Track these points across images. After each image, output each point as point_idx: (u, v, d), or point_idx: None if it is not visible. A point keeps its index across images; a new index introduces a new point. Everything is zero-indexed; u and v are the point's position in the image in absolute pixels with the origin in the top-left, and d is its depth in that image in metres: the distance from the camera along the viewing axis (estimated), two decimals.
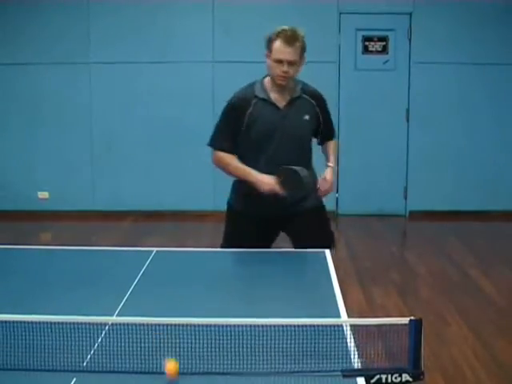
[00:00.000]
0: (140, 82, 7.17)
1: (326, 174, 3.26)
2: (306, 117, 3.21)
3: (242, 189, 3.25)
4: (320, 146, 3.46)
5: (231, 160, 3.21)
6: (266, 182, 3.08)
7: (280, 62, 3.05)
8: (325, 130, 3.35)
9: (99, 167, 7.33)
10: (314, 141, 3.40)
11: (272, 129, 3.15)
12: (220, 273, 2.91)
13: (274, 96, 3.17)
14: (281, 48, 3.04)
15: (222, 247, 3.35)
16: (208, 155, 7.64)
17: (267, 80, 3.19)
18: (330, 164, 3.33)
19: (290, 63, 3.06)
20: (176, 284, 2.72)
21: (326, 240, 3.29)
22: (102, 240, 6.07)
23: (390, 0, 7.08)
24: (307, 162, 3.27)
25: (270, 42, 3.09)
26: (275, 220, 3.26)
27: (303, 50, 3.11)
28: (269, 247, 3.33)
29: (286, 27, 3.08)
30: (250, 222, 3.25)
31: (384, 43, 7.18)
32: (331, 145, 3.42)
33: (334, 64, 7.16)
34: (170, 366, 1.81)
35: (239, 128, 3.17)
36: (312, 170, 3.31)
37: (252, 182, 3.12)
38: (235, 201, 3.36)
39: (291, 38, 3.04)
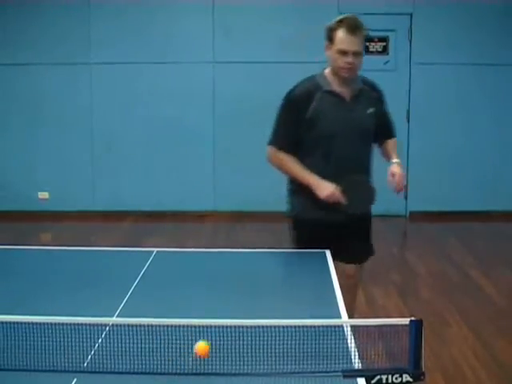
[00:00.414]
0: (140, 82, 7.17)
1: (392, 169, 3.03)
2: (371, 110, 3.05)
3: (303, 192, 3.04)
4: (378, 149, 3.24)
5: (290, 159, 3.02)
6: (326, 186, 2.91)
7: (344, 52, 2.88)
8: (384, 126, 3.15)
9: (99, 167, 7.33)
10: None
11: (339, 123, 2.97)
12: (220, 273, 2.91)
13: (338, 89, 2.99)
14: (345, 38, 2.87)
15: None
16: (208, 155, 7.65)
17: (328, 72, 3.02)
18: (395, 160, 3.08)
19: (355, 54, 2.89)
20: (176, 284, 2.71)
21: (366, 252, 3.26)
22: (102, 240, 6.07)
23: (390, 1, 7.08)
24: (370, 162, 3.15)
25: (331, 32, 2.91)
26: (335, 225, 3.06)
27: (365, 39, 2.94)
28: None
29: (346, 15, 2.93)
30: (316, 228, 3.06)
31: (384, 44, 7.18)
32: (391, 143, 3.19)
33: None
34: (201, 348, 1.83)
35: (301, 124, 2.96)
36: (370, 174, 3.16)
37: (310, 185, 2.95)
38: (298, 206, 3.14)
39: (355, 26, 2.89)
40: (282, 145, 3.04)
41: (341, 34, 2.89)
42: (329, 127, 2.98)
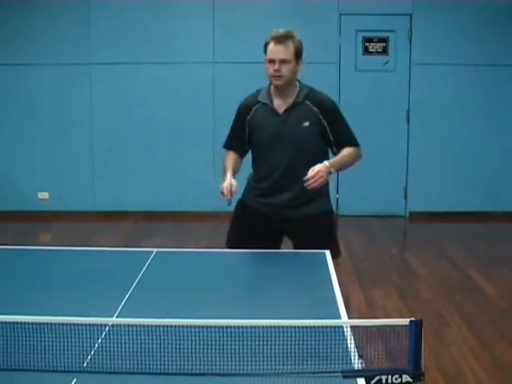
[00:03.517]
0: (140, 82, 7.17)
1: (314, 167, 3.02)
2: (306, 123, 3.14)
3: (249, 185, 3.36)
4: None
5: (226, 156, 3.32)
6: (224, 182, 3.10)
7: (272, 61, 3.06)
8: (338, 139, 3.21)
9: (99, 168, 7.34)
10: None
11: (271, 134, 3.15)
12: (220, 274, 2.91)
13: (276, 101, 3.17)
14: (272, 48, 3.07)
15: (227, 245, 3.36)
16: (208, 155, 7.64)
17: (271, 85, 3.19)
18: (325, 162, 3.07)
19: (282, 62, 3.05)
20: (176, 285, 2.71)
21: (328, 249, 3.22)
22: (102, 241, 6.07)
23: (390, 1, 7.09)
24: (305, 171, 3.16)
25: (265, 46, 3.11)
26: (276, 221, 3.24)
27: (298, 50, 3.08)
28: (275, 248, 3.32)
29: (280, 29, 3.09)
30: (254, 221, 3.27)
31: (384, 44, 7.18)
32: (344, 151, 3.20)
33: (334, 65, 7.16)
34: None
35: (244, 131, 3.25)
36: (321, 196, 3.24)
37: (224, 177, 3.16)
38: (244, 196, 3.38)
39: (282, 37, 3.06)
40: (227, 145, 3.36)
41: (270, 45, 3.09)
42: (262, 138, 3.20)
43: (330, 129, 3.18)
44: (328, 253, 3.11)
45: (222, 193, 3.05)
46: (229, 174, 3.14)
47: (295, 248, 3.30)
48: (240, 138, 3.27)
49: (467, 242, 6.32)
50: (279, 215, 3.23)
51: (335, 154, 3.23)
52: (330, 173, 3.05)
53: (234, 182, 3.08)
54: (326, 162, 3.06)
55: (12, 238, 6.13)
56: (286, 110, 3.16)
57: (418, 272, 5.41)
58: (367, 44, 7.18)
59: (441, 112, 7.22)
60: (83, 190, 7.36)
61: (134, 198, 7.31)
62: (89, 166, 7.33)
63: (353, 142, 3.26)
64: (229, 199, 3.04)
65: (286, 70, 3.07)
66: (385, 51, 7.20)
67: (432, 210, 7.30)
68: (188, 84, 7.14)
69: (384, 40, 7.18)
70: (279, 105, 3.17)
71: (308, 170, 3.01)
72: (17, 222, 6.96)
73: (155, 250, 3.19)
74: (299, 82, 3.21)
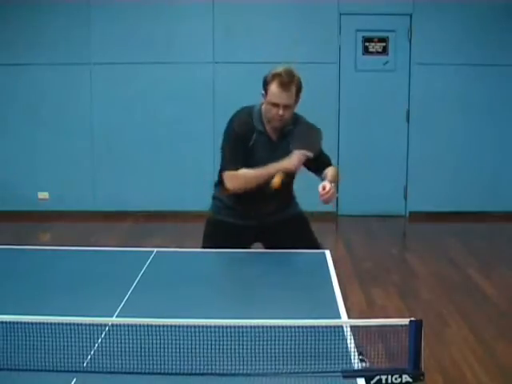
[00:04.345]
0: (140, 82, 7.17)
1: (324, 183, 3.11)
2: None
3: (224, 201, 3.33)
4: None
5: (246, 170, 3.16)
6: (293, 158, 3.09)
7: (276, 105, 3.07)
8: (318, 164, 3.28)
9: (100, 168, 7.33)
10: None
11: (265, 160, 3.16)
12: (220, 273, 2.91)
13: (268, 127, 3.20)
14: (276, 92, 3.05)
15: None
16: (208, 155, 7.63)
17: (264, 109, 3.18)
18: (328, 179, 3.17)
19: (286, 107, 3.08)
20: (176, 285, 2.72)
21: (310, 248, 3.28)
22: (103, 240, 6.07)
23: (390, 1, 7.08)
24: (291, 193, 3.37)
25: (266, 84, 3.10)
26: (252, 230, 3.30)
27: (299, 91, 3.11)
28: None
29: (281, 69, 3.07)
30: (228, 234, 3.30)
31: (384, 44, 7.18)
32: (329, 169, 3.28)
33: (334, 65, 7.16)
34: None
35: (244, 153, 3.18)
36: (294, 198, 3.41)
37: (282, 168, 3.10)
38: (216, 210, 3.39)
39: (287, 82, 3.05)
40: (238, 165, 3.17)
41: (273, 87, 3.06)
42: (257, 163, 3.17)
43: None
44: (328, 253, 3.11)
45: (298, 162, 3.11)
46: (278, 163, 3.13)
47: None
48: (241, 158, 3.18)
49: (467, 242, 6.32)
50: (255, 226, 3.29)
51: (314, 172, 3.33)
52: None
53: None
54: (329, 179, 3.16)
55: (12, 238, 6.13)
56: (278, 137, 3.21)
57: (418, 272, 5.41)
58: (367, 44, 7.18)
59: (441, 112, 7.22)
60: (83, 190, 7.35)
61: (134, 198, 7.31)
62: (89, 166, 7.33)
63: (329, 162, 3.36)
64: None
65: (288, 114, 3.12)
66: (385, 51, 7.20)
67: (432, 210, 7.30)
68: (188, 84, 7.14)
69: (384, 40, 7.17)
70: (271, 132, 3.20)
71: (289, 190, 3.28)
72: (17, 222, 6.96)
73: (155, 249, 3.20)
74: None
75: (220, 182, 3.31)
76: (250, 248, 3.38)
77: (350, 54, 7.18)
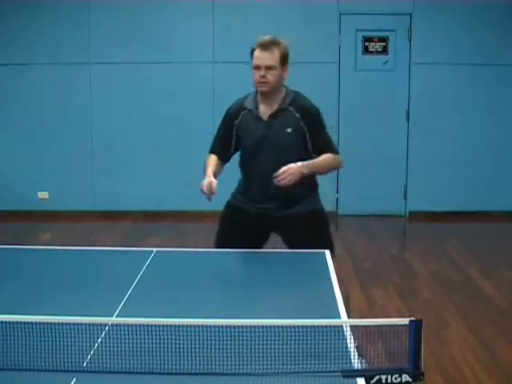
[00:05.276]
0: (140, 82, 7.17)
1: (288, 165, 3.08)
2: (288, 129, 3.18)
3: (239, 186, 3.40)
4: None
5: (211, 160, 3.31)
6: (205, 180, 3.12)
7: (258, 67, 3.10)
8: (316, 145, 3.21)
9: (99, 167, 7.33)
10: None
11: (256, 140, 3.19)
12: (220, 273, 2.91)
13: (261, 107, 3.20)
14: (258, 54, 3.10)
15: (216, 246, 3.38)
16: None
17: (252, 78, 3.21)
18: (298, 163, 3.09)
19: (268, 68, 3.08)
20: (176, 284, 2.72)
21: (322, 248, 3.23)
22: (102, 240, 6.07)
23: (390, 1, 7.08)
24: (303, 190, 3.21)
25: (251, 53, 3.14)
26: (267, 219, 3.26)
27: (284, 56, 3.12)
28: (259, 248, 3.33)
29: (266, 36, 3.12)
30: (243, 221, 3.30)
31: (384, 44, 7.18)
32: (322, 156, 3.21)
33: (334, 64, 7.16)
34: None
35: (230, 136, 3.28)
36: (308, 196, 3.30)
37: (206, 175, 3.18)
38: (234, 197, 3.42)
39: (268, 43, 3.09)
40: (212, 149, 3.37)
41: (256, 51, 3.12)
42: (248, 143, 3.24)
43: (309, 134, 3.20)
44: (328, 253, 3.11)
45: (202, 190, 3.10)
46: (209, 172, 3.18)
47: (289, 247, 3.32)
48: (225, 142, 3.31)
49: (467, 241, 6.32)
50: (268, 216, 3.26)
51: (313, 155, 3.25)
52: (301, 172, 3.07)
53: (214, 180, 3.10)
54: (298, 163, 3.08)
55: (12, 237, 6.13)
56: (270, 116, 3.20)
57: (418, 272, 5.41)
58: (367, 43, 7.18)
59: (441, 111, 7.22)
60: (83, 190, 7.35)
61: (133, 198, 7.30)
62: (89, 165, 7.33)
63: (331, 150, 3.27)
64: (208, 196, 3.09)
65: (271, 77, 3.10)
66: (385, 51, 7.20)
67: (432, 210, 7.30)
68: (188, 84, 7.14)
69: (384, 39, 7.17)
70: (264, 111, 3.20)
71: (293, 187, 3.11)
72: (17, 222, 6.96)
73: (155, 249, 3.19)
74: (285, 87, 3.23)
75: (240, 170, 3.37)
76: (267, 238, 3.37)
77: (349, 53, 7.18)
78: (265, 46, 3.08)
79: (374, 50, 7.19)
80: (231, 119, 3.27)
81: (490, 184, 7.30)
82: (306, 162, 3.12)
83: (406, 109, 7.25)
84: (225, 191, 3.35)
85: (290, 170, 3.04)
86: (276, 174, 3.03)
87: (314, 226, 3.32)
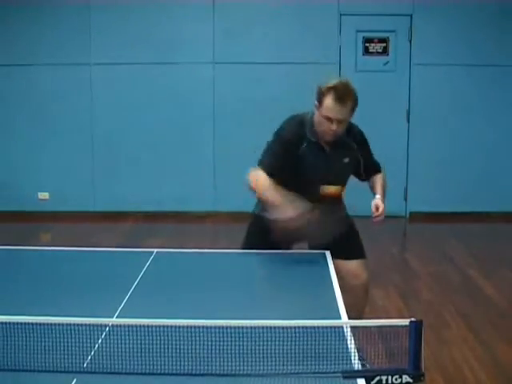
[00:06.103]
0: (140, 82, 7.17)
1: (377, 202, 3.11)
2: (346, 159, 3.17)
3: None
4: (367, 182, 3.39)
5: (264, 177, 3.08)
6: (288, 209, 2.91)
7: (329, 119, 2.95)
8: (367, 169, 3.27)
9: (100, 168, 7.33)
10: None
11: (317, 169, 3.11)
12: (220, 274, 2.91)
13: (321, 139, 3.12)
14: (332, 106, 2.92)
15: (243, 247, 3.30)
16: (208, 155, 7.64)
17: (315, 119, 3.07)
18: (378, 196, 3.15)
19: (340, 122, 2.96)
20: (176, 285, 2.72)
21: (357, 252, 3.27)
22: (103, 241, 6.06)
23: (390, 1, 7.08)
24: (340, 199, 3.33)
25: (320, 96, 2.96)
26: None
27: (355, 106, 2.98)
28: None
29: (337, 82, 2.96)
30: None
31: (384, 44, 7.18)
32: (377, 179, 3.28)
33: (334, 65, 7.15)
34: None
35: (291, 161, 3.07)
36: (342, 204, 3.42)
37: (273, 202, 2.98)
38: (261, 207, 3.20)
39: (343, 96, 2.92)
40: (268, 170, 3.08)
41: (328, 100, 2.93)
42: (309, 174, 3.11)
43: (363, 162, 3.24)
44: (328, 253, 3.11)
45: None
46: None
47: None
48: (280, 165, 3.07)
49: (467, 242, 6.32)
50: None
51: (363, 180, 3.34)
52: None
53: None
54: (379, 197, 3.14)
55: (12, 238, 6.12)
56: (331, 147, 3.13)
57: (418, 272, 5.41)
58: (367, 44, 7.18)
59: (441, 112, 7.22)
60: (83, 190, 7.35)
61: (134, 198, 7.30)
62: (89, 166, 7.33)
63: (378, 169, 3.34)
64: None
65: (341, 129, 3.01)
66: (385, 51, 7.20)
67: (432, 210, 7.30)
68: (188, 84, 7.14)
69: (384, 40, 7.17)
70: (325, 141, 3.11)
71: (337, 200, 3.26)
72: (17, 222, 6.96)
73: (155, 250, 3.20)
74: None
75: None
76: (293, 246, 3.28)
77: (350, 54, 7.18)
78: (341, 101, 2.91)
79: (374, 50, 7.20)
80: (293, 148, 3.07)
81: (491, 185, 7.29)
82: (382, 194, 3.17)
83: (407, 110, 7.25)
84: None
85: (382, 208, 3.06)
86: (374, 215, 3.06)
87: (351, 231, 3.37)
